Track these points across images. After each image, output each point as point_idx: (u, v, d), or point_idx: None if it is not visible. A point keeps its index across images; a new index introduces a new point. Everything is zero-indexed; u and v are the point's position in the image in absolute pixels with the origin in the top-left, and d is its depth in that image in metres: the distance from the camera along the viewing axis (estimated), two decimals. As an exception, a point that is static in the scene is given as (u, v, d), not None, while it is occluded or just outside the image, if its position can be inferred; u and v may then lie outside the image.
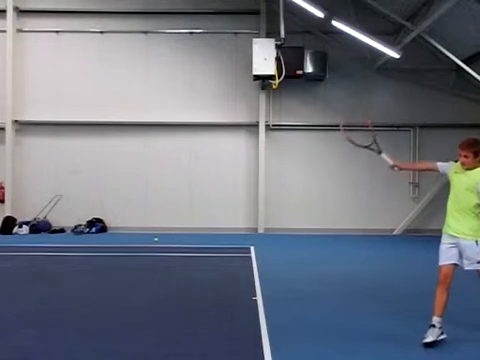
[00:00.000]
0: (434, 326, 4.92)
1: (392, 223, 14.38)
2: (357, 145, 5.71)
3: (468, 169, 4.98)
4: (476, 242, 4.90)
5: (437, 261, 5.09)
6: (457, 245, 4.99)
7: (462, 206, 4.99)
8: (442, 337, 4.93)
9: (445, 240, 5.08)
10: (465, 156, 4.94)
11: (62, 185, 14.44)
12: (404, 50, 12.47)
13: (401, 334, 5.24)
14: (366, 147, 5.74)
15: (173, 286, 7.56)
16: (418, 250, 11.54)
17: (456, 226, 5.00)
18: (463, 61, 13.28)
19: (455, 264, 4.99)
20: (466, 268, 4.96)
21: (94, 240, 12.61)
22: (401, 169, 5.67)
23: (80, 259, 10.19)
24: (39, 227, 14.05)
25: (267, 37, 13.90)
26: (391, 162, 5.50)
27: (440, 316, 4.96)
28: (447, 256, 5.01)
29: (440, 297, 4.99)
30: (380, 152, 5.56)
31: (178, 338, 5.09)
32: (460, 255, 5.00)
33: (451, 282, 4.98)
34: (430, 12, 10.89)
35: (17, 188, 14.46)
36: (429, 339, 4.86)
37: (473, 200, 4.92)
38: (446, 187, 5.39)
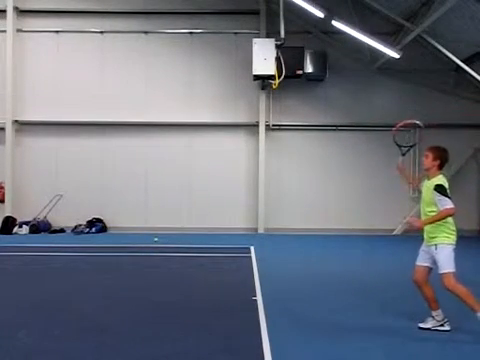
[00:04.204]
0: (433, 317, 5.30)
1: (392, 223, 14.39)
2: (394, 138, 5.98)
3: (429, 177, 5.30)
4: (435, 247, 5.15)
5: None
6: (428, 252, 5.27)
7: (423, 216, 5.32)
8: (442, 329, 5.23)
9: (423, 244, 5.40)
10: (425, 156, 5.36)
11: (62, 185, 14.46)
12: (404, 50, 12.48)
13: (402, 333, 5.25)
14: (399, 145, 6.01)
15: (173, 286, 7.56)
16: (418, 250, 11.52)
17: (426, 234, 5.31)
18: (463, 61, 13.28)
19: (428, 267, 5.28)
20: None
21: (94, 240, 12.61)
22: (402, 173, 5.97)
23: (80, 259, 10.19)
24: (39, 227, 14.06)
25: (267, 37, 13.90)
26: (400, 164, 5.91)
27: (436, 309, 5.28)
28: (420, 259, 5.40)
29: (424, 294, 5.34)
30: (403, 155, 5.96)
31: (178, 338, 5.09)
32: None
33: (424, 280, 5.29)
34: (430, 12, 10.90)
35: (17, 188, 14.47)
36: (424, 325, 5.30)
37: (426, 210, 5.22)
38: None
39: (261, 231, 14.32)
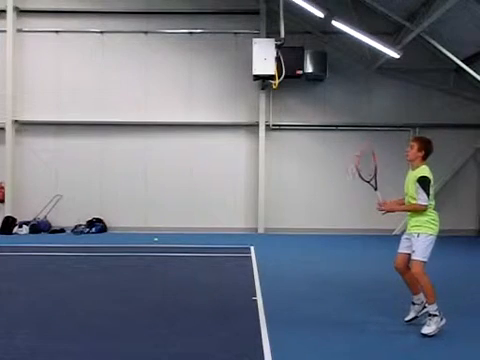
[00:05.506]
0: (413, 303, 5.53)
1: (392, 223, 14.34)
2: (360, 176, 6.18)
3: (413, 167, 5.45)
4: (417, 235, 5.27)
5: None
6: (410, 239, 5.39)
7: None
8: (425, 310, 5.38)
9: (405, 232, 5.58)
10: (410, 146, 5.49)
11: (62, 185, 14.45)
12: (404, 50, 12.46)
13: (403, 332, 5.26)
14: (367, 181, 6.14)
15: (173, 286, 7.57)
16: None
17: (408, 222, 5.45)
18: (463, 61, 13.27)
19: (409, 254, 5.37)
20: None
21: (94, 240, 12.60)
22: (388, 212, 5.73)
23: (80, 259, 10.19)
24: (39, 227, 14.04)
25: (267, 37, 13.88)
26: (380, 200, 5.75)
27: (416, 293, 5.49)
28: (401, 246, 5.52)
29: (405, 280, 5.53)
30: (376, 189, 5.96)
31: (178, 338, 5.09)
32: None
33: (405, 267, 5.44)
34: (430, 12, 10.87)
35: (17, 188, 14.46)
36: (409, 316, 5.52)
37: (410, 199, 5.38)
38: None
39: (261, 231, 14.32)
